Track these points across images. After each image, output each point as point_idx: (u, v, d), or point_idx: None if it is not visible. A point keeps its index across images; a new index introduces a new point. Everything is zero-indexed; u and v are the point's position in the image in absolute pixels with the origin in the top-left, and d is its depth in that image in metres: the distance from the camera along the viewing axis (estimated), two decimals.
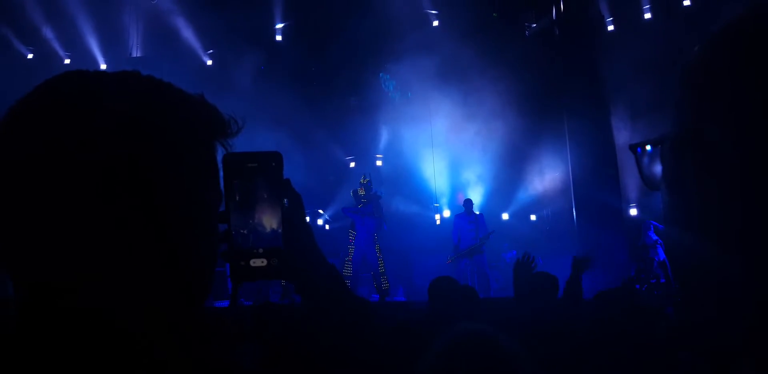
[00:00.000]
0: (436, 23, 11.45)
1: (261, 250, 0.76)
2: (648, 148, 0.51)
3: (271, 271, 0.76)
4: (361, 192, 8.89)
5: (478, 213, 9.34)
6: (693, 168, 0.44)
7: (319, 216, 11.07)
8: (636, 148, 0.52)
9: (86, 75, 0.60)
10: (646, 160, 0.51)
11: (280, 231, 0.77)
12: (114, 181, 0.54)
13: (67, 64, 11.75)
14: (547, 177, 10.80)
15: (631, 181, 9.84)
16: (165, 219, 0.57)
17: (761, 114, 0.39)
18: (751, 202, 0.40)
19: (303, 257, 0.80)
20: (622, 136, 9.46)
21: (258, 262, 0.76)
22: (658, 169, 0.49)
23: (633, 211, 9.99)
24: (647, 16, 10.68)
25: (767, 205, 0.39)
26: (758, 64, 0.40)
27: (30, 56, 11.65)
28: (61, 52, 11.74)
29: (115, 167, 0.54)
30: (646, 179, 0.51)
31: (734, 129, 0.41)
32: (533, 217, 11.10)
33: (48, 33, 11.38)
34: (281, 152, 0.82)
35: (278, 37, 11.87)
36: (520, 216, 11.03)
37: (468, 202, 9.29)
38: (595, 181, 8.88)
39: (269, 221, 0.77)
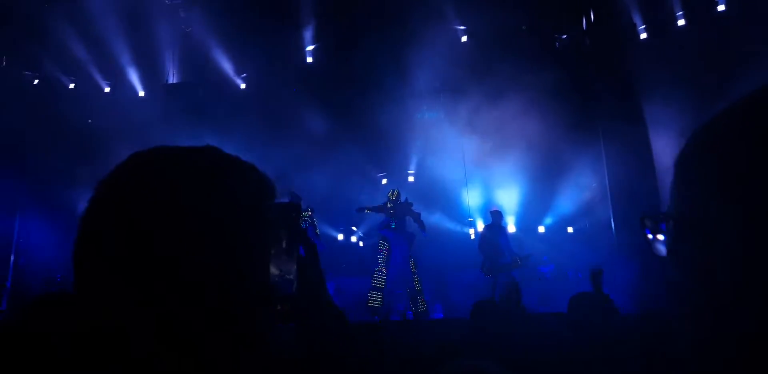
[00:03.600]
0: (464, 39, 11.49)
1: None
2: (654, 222, 0.54)
3: (282, 317, 0.79)
4: (389, 205, 8.92)
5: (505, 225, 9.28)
6: (692, 248, 0.47)
7: (353, 233, 11.09)
8: (644, 221, 0.55)
9: (163, 151, 0.72)
10: (652, 232, 0.54)
11: (293, 278, 0.79)
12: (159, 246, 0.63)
13: (106, 93, 12.18)
14: (583, 188, 10.61)
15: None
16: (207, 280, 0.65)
17: (760, 200, 0.42)
18: (749, 291, 0.42)
19: (314, 304, 0.84)
20: (659, 144, 9.25)
21: None
22: (663, 241, 0.52)
23: None
24: (681, 22, 10.50)
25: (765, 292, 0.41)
26: (755, 153, 0.43)
27: (72, 86, 12.11)
28: (101, 82, 12.18)
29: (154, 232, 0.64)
30: (652, 248, 0.54)
31: (732, 214, 0.43)
32: (570, 229, 10.89)
33: (88, 63, 11.83)
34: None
35: (309, 59, 12.08)
36: (556, 228, 10.84)
37: (496, 213, 9.14)
38: (633, 192, 8.68)
39: (284, 268, 0.79)
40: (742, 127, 0.45)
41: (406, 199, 9.09)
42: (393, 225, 8.73)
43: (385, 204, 9.00)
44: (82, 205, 0.70)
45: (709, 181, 0.46)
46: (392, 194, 9.11)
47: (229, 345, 0.64)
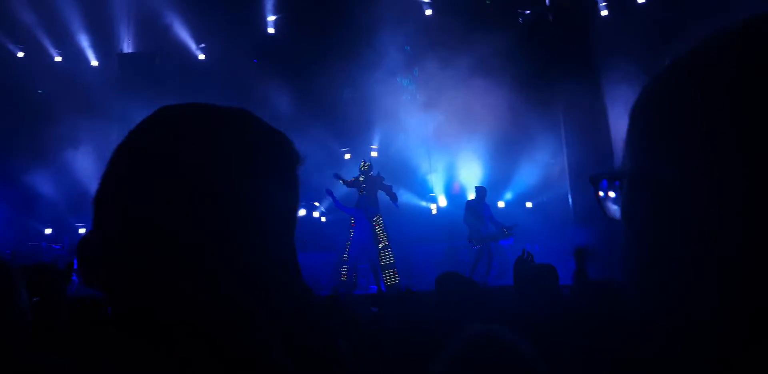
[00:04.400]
0: (429, 12, 11.38)
1: None
2: (607, 180, 0.50)
3: None
4: (361, 178, 8.86)
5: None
6: (647, 207, 0.43)
7: (315, 208, 11.06)
8: (596, 180, 0.51)
9: (197, 107, 0.69)
10: (604, 192, 0.50)
11: None
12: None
13: (58, 62, 11.66)
14: (543, 164, 10.79)
15: None
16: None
17: (714, 156, 0.38)
18: (702, 247, 0.38)
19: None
20: (617, 121, 9.45)
21: None
22: (617, 203, 0.48)
23: None
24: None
25: (719, 250, 0.37)
26: (710, 105, 0.39)
27: (20, 54, 11.55)
28: (52, 50, 11.65)
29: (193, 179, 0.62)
30: (605, 210, 0.50)
31: (688, 171, 0.39)
32: (529, 204, 11.10)
33: (38, 31, 11.28)
34: None
35: (270, 30, 11.79)
36: (516, 203, 11.03)
37: (481, 189, 9.22)
38: (591, 167, 8.89)
39: None
40: (703, 71, 0.41)
41: (378, 173, 9.03)
42: (361, 200, 8.69)
43: (357, 177, 8.92)
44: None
45: (666, 130, 0.41)
46: (364, 165, 8.99)
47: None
